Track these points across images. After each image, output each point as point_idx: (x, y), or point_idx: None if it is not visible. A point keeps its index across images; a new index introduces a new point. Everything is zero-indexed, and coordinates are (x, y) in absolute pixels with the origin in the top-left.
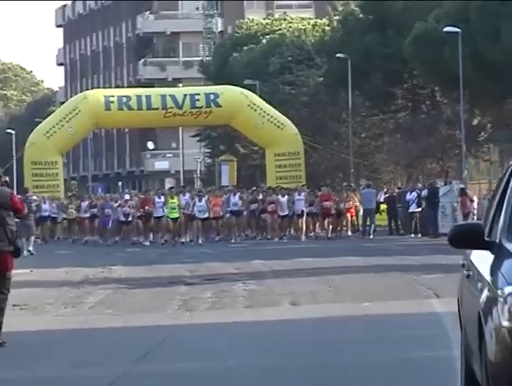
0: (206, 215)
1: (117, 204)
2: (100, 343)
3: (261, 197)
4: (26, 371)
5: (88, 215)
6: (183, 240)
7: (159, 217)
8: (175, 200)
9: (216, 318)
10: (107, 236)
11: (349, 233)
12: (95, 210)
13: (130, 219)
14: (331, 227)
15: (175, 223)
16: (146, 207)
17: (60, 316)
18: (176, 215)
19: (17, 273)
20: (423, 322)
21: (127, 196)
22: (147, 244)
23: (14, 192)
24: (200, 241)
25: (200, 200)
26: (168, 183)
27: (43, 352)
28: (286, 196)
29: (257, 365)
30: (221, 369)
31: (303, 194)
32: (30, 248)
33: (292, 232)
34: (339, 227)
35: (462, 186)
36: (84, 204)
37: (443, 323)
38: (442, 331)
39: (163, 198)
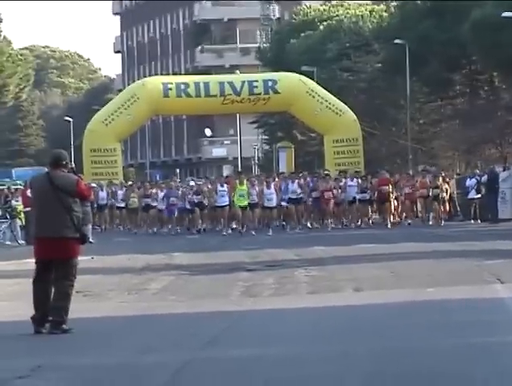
0: (274, 204)
1: (180, 191)
2: (164, 329)
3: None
4: (93, 357)
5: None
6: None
7: (222, 206)
8: (245, 187)
9: (280, 304)
10: (173, 225)
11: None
12: (149, 199)
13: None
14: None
15: (243, 212)
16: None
17: (124, 302)
18: (245, 203)
19: (78, 260)
20: (487, 308)
21: (192, 182)
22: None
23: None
24: (269, 232)
25: (268, 187)
26: (226, 170)
27: (108, 339)
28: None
29: (322, 351)
30: (287, 355)
31: (355, 180)
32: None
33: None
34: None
35: None
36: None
37: (508, 308)
38: (508, 316)
39: (225, 186)
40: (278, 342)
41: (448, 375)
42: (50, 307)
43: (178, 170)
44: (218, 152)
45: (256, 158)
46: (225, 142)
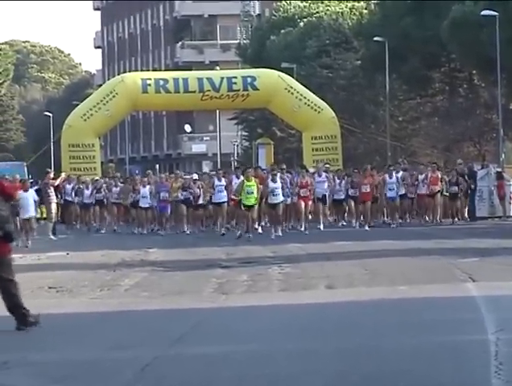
0: (281, 200)
1: (177, 185)
2: (135, 326)
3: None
4: (62, 353)
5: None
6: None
7: (220, 203)
8: (253, 182)
9: (252, 301)
10: (166, 224)
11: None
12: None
13: (200, 202)
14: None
15: (251, 211)
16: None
17: (96, 299)
18: (254, 202)
19: (53, 256)
20: (458, 306)
21: (195, 175)
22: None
23: (52, 174)
24: (275, 233)
25: (274, 181)
26: (205, 166)
27: (78, 335)
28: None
29: (291, 348)
30: (256, 352)
31: (324, 175)
32: (50, 234)
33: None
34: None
35: (499, 169)
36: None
37: (478, 307)
38: (477, 315)
39: (223, 180)
40: (248, 339)
41: (414, 374)
42: (7, 306)
43: (157, 166)
44: (198, 148)
45: (235, 155)
46: (205, 138)
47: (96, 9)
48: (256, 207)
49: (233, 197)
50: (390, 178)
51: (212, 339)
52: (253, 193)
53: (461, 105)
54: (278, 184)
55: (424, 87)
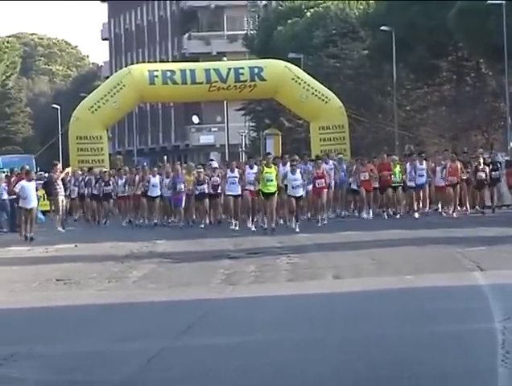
0: (301, 193)
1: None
2: (142, 318)
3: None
4: (69, 345)
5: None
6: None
7: (234, 196)
8: (273, 170)
9: (259, 291)
10: (183, 217)
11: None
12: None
13: (219, 191)
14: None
15: (271, 200)
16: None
17: (104, 291)
18: (274, 190)
19: (61, 248)
20: (465, 295)
21: (215, 164)
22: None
23: (60, 166)
24: (295, 226)
25: (293, 172)
26: (213, 157)
27: (85, 326)
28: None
29: (297, 338)
30: (262, 342)
31: (331, 162)
32: (58, 227)
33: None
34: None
35: (508, 158)
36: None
37: (485, 296)
38: (484, 304)
39: (236, 172)
40: (255, 330)
41: (419, 362)
42: None
43: (165, 157)
44: (206, 139)
45: (243, 145)
46: (213, 129)
47: (103, 0)
48: (276, 196)
49: (248, 188)
50: (421, 164)
51: (219, 330)
52: (272, 180)
53: (469, 94)
54: (298, 176)
55: (432, 76)
